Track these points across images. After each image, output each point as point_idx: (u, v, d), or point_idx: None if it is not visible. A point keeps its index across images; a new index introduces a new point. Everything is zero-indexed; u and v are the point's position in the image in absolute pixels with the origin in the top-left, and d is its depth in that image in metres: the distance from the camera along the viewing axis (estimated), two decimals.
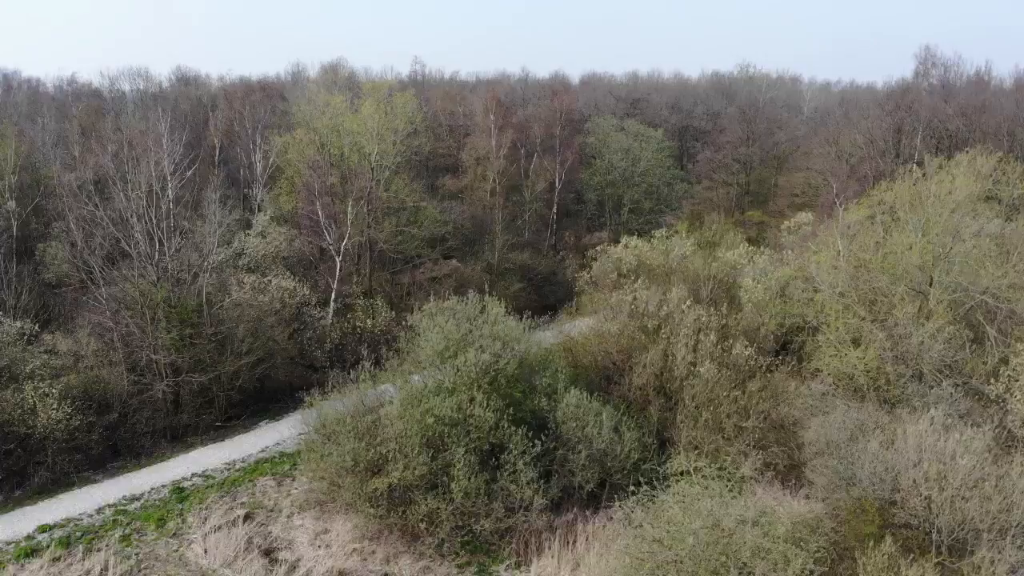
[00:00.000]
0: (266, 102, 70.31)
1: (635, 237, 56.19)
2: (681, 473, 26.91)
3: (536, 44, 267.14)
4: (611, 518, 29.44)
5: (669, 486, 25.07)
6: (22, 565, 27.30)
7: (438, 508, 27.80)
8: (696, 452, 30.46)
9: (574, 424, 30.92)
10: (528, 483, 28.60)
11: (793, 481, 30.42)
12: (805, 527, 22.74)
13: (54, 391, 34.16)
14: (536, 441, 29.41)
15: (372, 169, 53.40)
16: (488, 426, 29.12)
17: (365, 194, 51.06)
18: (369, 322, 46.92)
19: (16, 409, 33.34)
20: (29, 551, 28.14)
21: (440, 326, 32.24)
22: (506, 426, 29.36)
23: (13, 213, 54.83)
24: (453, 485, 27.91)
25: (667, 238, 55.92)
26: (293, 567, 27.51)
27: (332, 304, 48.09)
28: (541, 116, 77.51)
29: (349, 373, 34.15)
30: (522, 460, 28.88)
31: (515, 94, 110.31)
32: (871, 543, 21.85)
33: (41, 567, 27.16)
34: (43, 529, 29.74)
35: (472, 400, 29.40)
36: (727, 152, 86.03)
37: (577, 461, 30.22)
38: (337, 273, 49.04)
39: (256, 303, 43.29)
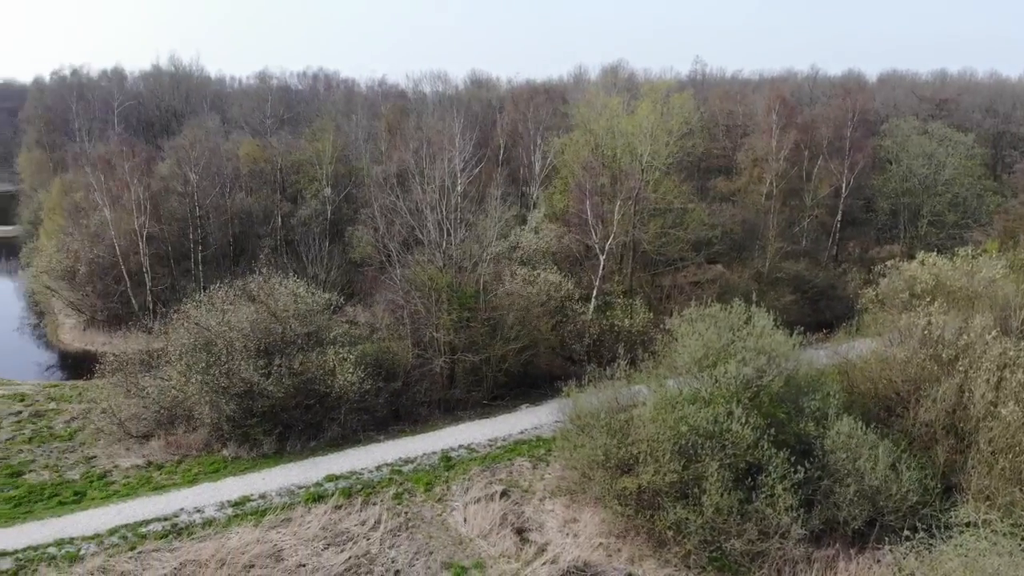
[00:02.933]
0: (548, 104, 73.52)
1: (934, 253, 50.04)
2: (967, 524, 23.92)
3: (828, 41, 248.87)
4: (878, 561, 27.05)
5: (951, 536, 22.49)
6: (309, 508, 31.19)
7: (687, 518, 27.27)
8: (987, 503, 26.75)
9: (844, 455, 28.58)
10: (786, 509, 27.02)
11: None
12: None
13: (351, 357, 38.22)
14: (799, 467, 27.68)
15: (642, 170, 53.51)
16: (746, 444, 27.91)
17: (633, 195, 51.35)
18: (627, 321, 47.22)
19: (319, 370, 37.76)
20: (317, 496, 32.07)
21: (700, 333, 31.51)
22: (766, 446, 27.94)
23: (328, 199, 63.37)
24: (704, 498, 27.19)
25: (973, 257, 49.03)
26: (542, 549, 28.62)
27: (593, 301, 49.13)
28: (830, 116, 72.20)
29: (605, 369, 34.55)
30: (782, 484, 27.31)
31: (802, 92, 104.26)
32: None
33: (325, 512, 30.81)
34: (330, 479, 33.66)
35: (730, 414, 28.34)
36: None
37: (844, 495, 27.96)
38: (600, 271, 49.97)
39: (525, 294, 45.52)
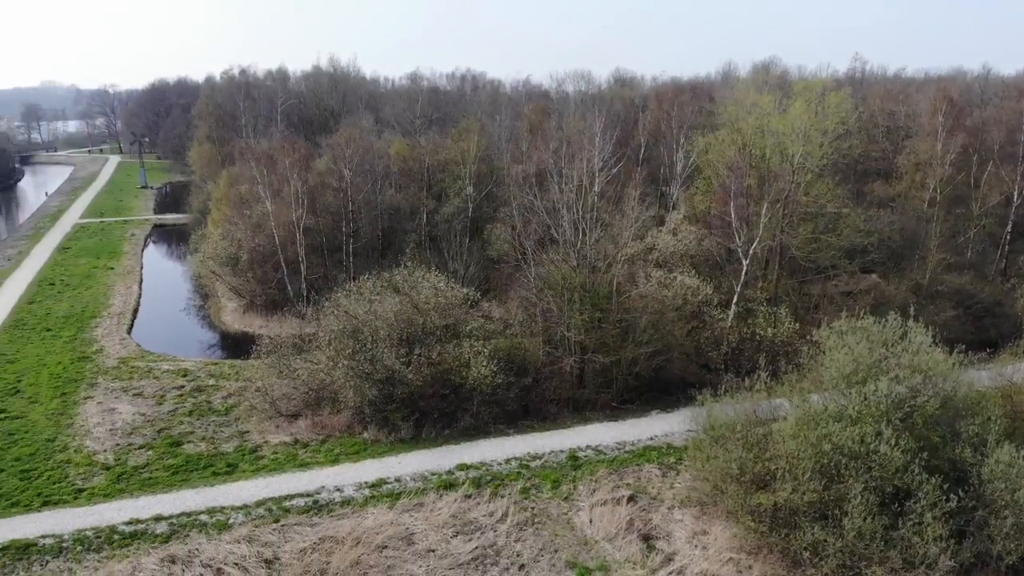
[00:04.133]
0: (693, 102, 71.81)
1: None
2: None
3: (1003, 39, 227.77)
4: None
5: None
6: (440, 495, 32.26)
7: (825, 540, 25.95)
8: None
9: (1003, 485, 26.20)
10: (935, 539, 25.11)
11: None
12: None
13: (485, 351, 39.32)
14: (952, 495, 25.69)
15: (793, 171, 51.17)
16: (895, 467, 26.15)
17: (782, 197, 49.20)
18: (770, 331, 45.38)
19: (455, 361, 39.06)
20: (448, 484, 33.12)
21: (850, 347, 29.76)
22: (917, 471, 26.09)
23: (470, 197, 64.94)
24: (846, 521, 25.76)
25: None
26: (669, 559, 28.13)
27: (733, 307, 47.56)
28: (1003, 119, 66.21)
29: (743, 380, 33.35)
30: (932, 513, 25.43)
31: (972, 93, 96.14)
32: None
33: (455, 500, 31.78)
34: (461, 468, 34.65)
35: (879, 435, 26.65)
36: None
37: (1000, 527, 25.69)
38: (742, 277, 48.28)
39: (660, 297, 44.78)
